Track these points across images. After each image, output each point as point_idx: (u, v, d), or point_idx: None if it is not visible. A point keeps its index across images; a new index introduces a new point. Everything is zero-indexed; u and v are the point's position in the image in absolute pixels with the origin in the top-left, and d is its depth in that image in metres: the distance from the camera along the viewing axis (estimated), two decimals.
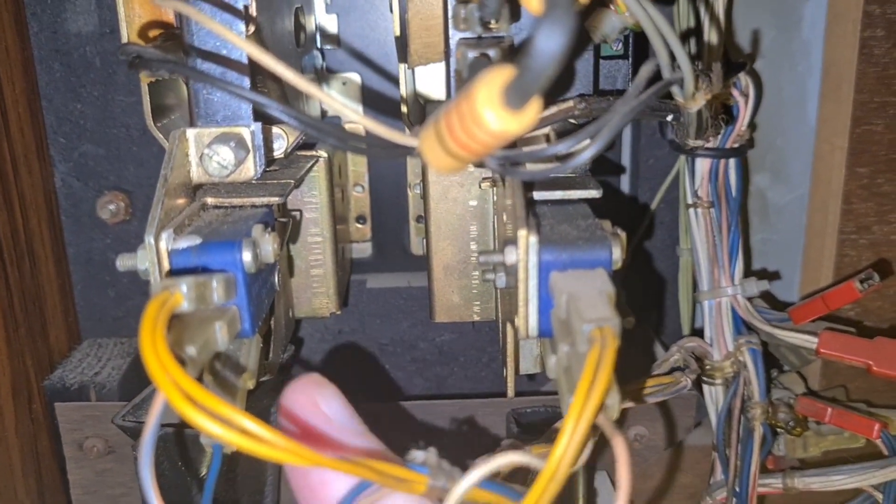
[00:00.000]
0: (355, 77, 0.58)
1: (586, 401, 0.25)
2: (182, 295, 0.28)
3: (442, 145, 0.26)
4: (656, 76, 0.32)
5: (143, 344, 0.25)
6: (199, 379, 0.31)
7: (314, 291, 0.50)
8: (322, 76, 0.57)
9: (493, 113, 0.24)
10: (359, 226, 0.60)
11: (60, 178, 0.57)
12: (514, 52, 0.37)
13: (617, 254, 0.34)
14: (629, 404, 0.48)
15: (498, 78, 0.23)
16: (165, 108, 0.46)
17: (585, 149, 0.29)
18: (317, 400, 0.29)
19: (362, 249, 0.61)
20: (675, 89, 0.36)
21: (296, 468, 0.28)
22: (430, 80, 0.54)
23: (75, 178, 0.57)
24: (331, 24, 0.56)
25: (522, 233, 0.33)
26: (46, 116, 0.55)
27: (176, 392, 0.24)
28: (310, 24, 0.54)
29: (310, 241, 0.49)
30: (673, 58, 0.33)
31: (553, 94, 0.41)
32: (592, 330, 0.29)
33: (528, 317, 0.34)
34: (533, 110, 0.23)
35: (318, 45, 0.56)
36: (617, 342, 0.28)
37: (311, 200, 0.48)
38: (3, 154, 0.51)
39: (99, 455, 0.52)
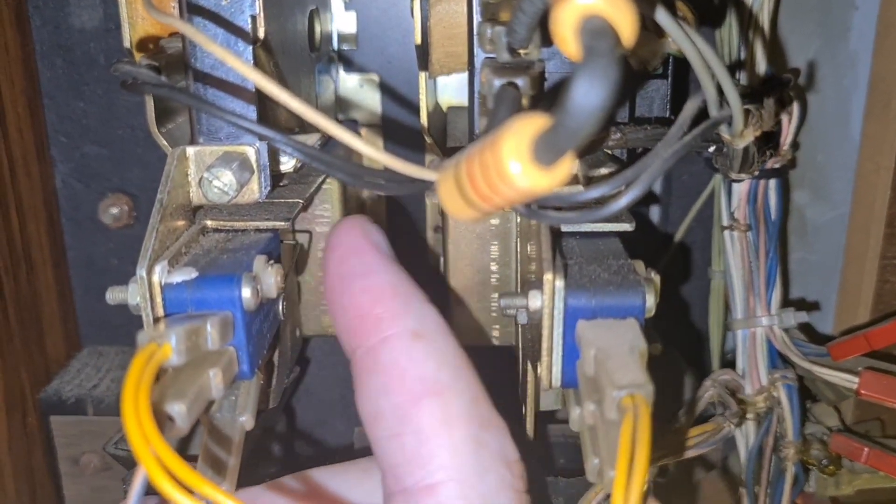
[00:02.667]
0: (374, 77, 0.54)
1: (628, 494, 0.22)
2: (171, 348, 0.26)
3: (462, 194, 0.23)
4: (701, 112, 0.29)
5: (125, 410, 0.23)
6: (192, 431, 0.28)
7: (323, 309, 0.47)
8: (338, 78, 0.54)
9: (521, 168, 0.21)
10: None
11: (61, 180, 0.54)
12: (543, 82, 0.34)
13: (650, 301, 0.31)
14: (670, 460, 0.45)
15: (528, 129, 0.20)
16: (171, 111, 0.43)
17: (621, 195, 0.26)
18: (366, 229, 0.34)
19: None
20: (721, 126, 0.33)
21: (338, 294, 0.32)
22: (452, 85, 0.51)
23: (77, 180, 0.54)
24: (349, 22, 0.53)
25: (548, 277, 0.30)
26: (47, 115, 0.53)
27: (158, 469, 0.22)
28: (325, 24, 0.51)
29: (320, 256, 0.46)
30: (720, 91, 0.29)
31: None
32: (623, 398, 0.26)
33: (552, 367, 0.31)
34: (565, 167, 0.20)
35: (336, 45, 0.53)
36: (650, 411, 0.26)
37: (323, 214, 0.45)
38: None
39: (95, 471, 0.50)
